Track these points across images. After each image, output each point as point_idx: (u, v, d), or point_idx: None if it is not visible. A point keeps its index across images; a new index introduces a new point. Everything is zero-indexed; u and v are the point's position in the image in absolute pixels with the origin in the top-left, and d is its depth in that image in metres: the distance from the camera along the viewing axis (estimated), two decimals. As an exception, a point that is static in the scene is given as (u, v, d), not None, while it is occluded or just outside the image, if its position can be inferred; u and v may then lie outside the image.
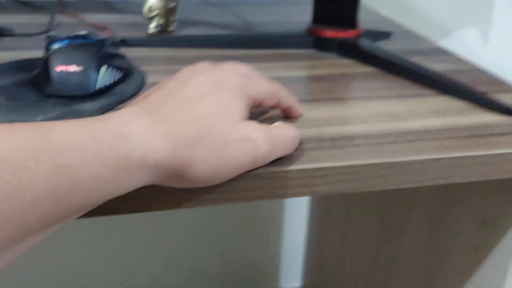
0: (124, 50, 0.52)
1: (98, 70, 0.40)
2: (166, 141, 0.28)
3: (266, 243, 1.10)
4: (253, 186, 0.34)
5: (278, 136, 0.33)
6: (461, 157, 0.36)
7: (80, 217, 0.28)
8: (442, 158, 0.36)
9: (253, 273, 1.11)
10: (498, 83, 0.50)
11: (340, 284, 0.86)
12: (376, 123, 0.40)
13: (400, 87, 0.48)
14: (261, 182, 0.33)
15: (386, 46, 0.57)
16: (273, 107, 0.38)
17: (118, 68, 0.42)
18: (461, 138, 0.39)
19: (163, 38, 0.57)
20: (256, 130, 0.31)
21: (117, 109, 0.32)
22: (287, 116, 0.40)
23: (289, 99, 0.39)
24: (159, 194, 0.32)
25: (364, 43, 0.56)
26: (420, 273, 0.60)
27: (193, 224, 1.03)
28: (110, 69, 0.41)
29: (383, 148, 0.36)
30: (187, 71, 0.34)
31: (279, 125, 0.34)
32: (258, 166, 0.32)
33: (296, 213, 1.07)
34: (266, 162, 0.32)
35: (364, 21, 0.69)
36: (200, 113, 0.30)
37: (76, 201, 0.25)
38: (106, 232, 0.98)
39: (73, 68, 0.40)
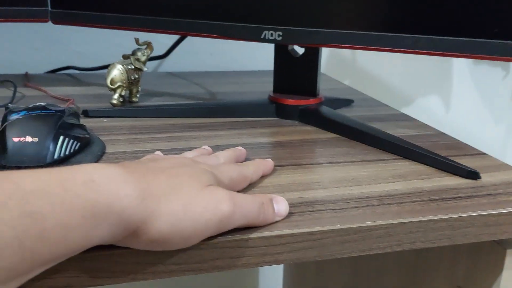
0: (86, 121, 0.51)
1: (55, 141, 0.40)
2: (134, 190, 0.27)
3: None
4: (211, 257, 0.32)
5: (242, 199, 0.33)
6: (425, 221, 0.36)
7: None
8: (405, 222, 0.36)
9: None
10: (459, 147, 0.51)
11: None
12: (337, 188, 0.40)
13: (362, 153, 0.48)
14: (220, 251, 0.32)
15: (347, 113, 0.58)
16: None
17: (77, 139, 0.41)
18: (423, 202, 0.38)
19: (125, 109, 0.57)
20: (221, 191, 0.32)
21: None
22: None
23: (259, 171, 0.40)
24: (111, 266, 0.30)
25: (325, 110, 0.57)
26: None
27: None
28: (68, 139, 0.40)
29: (345, 214, 0.36)
30: (157, 156, 0.37)
31: (246, 194, 0.34)
32: (222, 230, 0.31)
33: (271, 283, 1.04)
34: (230, 226, 0.32)
35: (327, 89, 0.71)
36: (172, 173, 0.31)
37: (43, 249, 0.24)
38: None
39: (29, 139, 0.39)
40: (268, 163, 0.42)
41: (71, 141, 0.41)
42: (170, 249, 0.30)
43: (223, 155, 0.41)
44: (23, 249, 0.23)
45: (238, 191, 0.36)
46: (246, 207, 0.32)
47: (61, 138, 0.40)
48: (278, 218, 0.35)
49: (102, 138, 0.47)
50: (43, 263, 0.25)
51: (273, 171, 0.43)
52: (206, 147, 0.45)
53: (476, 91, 1.06)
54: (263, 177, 0.41)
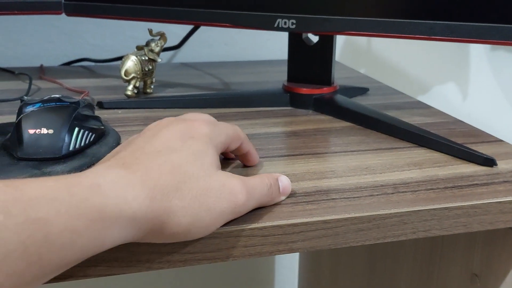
0: (101, 113, 0.52)
1: (70, 132, 0.40)
2: (142, 190, 0.27)
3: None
4: (226, 246, 0.32)
5: (253, 185, 0.33)
6: (440, 208, 0.36)
7: (58, 281, 0.28)
8: (420, 210, 0.35)
9: None
10: (476, 134, 0.50)
11: None
12: (352, 177, 0.40)
13: (376, 141, 0.48)
14: (234, 240, 0.32)
15: (362, 102, 0.58)
16: (235, 151, 0.39)
17: (91, 130, 0.42)
18: (439, 190, 0.38)
19: (139, 100, 0.57)
20: (232, 178, 0.32)
21: (85, 170, 0.32)
22: (245, 164, 0.41)
23: (248, 143, 0.40)
24: (127, 256, 0.30)
25: (340, 98, 0.56)
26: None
27: (175, 279, 0.99)
28: (82, 131, 0.41)
29: (359, 202, 0.36)
30: (153, 127, 0.35)
31: (254, 176, 0.34)
32: (236, 216, 0.32)
33: (286, 277, 1.04)
34: (245, 211, 0.32)
35: (342, 78, 0.70)
36: (174, 163, 0.30)
37: (49, 255, 0.24)
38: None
39: (44, 131, 0.39)
40: (256, 155, 0.41)
41: (86, 132, 0.41)
42: (192, 239, 0.30)
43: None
44: (28, 254, 0.23)
45: (232, 151, 0.38)
46: (258, 192, 0.33)
47: (76, 129, 0.40)
48: (283, 197, 0.36)
49: (117, 129, 0.47)
50: (53, 269, 0.24)
51: (287, 160, 0.43)
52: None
53: (493, 79, 1.04)
54: (277, 166, 0.41)
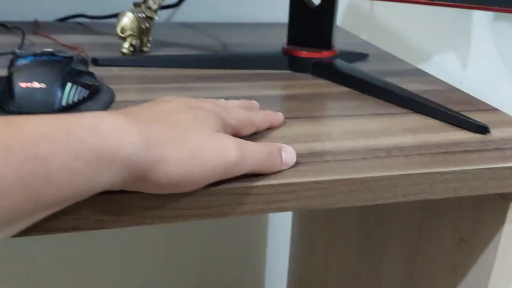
0: (96, 69, 0.51)
1: (63, 87, 0.40)
2: (138, 136, 0.28)
3: (249, 269, 1.07)
4: (219, 203, 0.33)
5: (250, 148, 0.33)
6: (431, 173, 0.36)
7: (46, 233, 0.28)
8: (412, 174, 0.35)
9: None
10: (472, 102, 0.50)
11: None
12: (346, 140, 0.40)
13: (373, 106, 0.48)
14: (227, 198, 0.33)
15: (362, 67, 0.57)
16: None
17: (85, 86, 0.41)
18: (431, 155, 0.38)
19: (135, 58, 0.56)
20: (228, 138, 0.32)
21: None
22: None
23: (267, 121, 0.40)
24: (118, 210, 0.31)
25: (338, 63, 0.56)
26: (400, 297, 0.59)
27: (172, 245, 1.01)
28: (76, 86, 0.40)
29: (352, 165, 0.36)
30: (162, 98, 0.36)
31: (255, 142, 0.34)
32: (228, 175, 0.32)
33: (279, 238, 1.06)
34: (237, 172, 0.32)
35: (343, 43, 0.69)
36: (175, 119, 0.31)
37: (48, 192, 0.24)
38: (81, 251, 0.96)
39: (36, 84, 0.39)
40: (278, 116, 0.42)
41: (80, 88, 0.41)
42: (179, 192, 0.31)
43: (233, 102, 0.42)
44: (28, 190, 0.23)
45: (244, 137, 0.36)
46: (254, 155, 0.33)
47: (69, 84, 0.40)
48: (285, 167, 0.35)
49: (112, 86, 0.47)
50: (49, 205, 0.25)
51: (283, 123, 0.43)
52: (222, 100, 0.44)
53: (494, 49, 1.03)
54: (272, 128, 0.41)
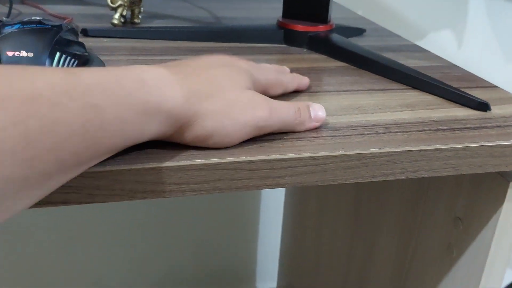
0: (86, 40, 0.50)
1: (52, 56, 0.38)
2: (180, 91, 0.30)
3: (242, 245, 1.08)
4: (213, 178, 0.32)
5: (277, 105, 0.34)
6: (430, 149, 0.35)
7: (36, 206, 0.28)
8: (410, 150, 0.35)
9: (228, 275, 1.09)
10: (470, 79, 0.49)
11: (315, 284, 0.84)
12: (343, 115, 0.39)
13: (370, 82, 0.47)
14: (221, 173, 0.32)
15: (358, 42, 0.56)
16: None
17: (74, 56, 0.40)
18: (431, 131, 0.37)
19: (126, 29, 0.55)
20: (258, 96, 0.34)
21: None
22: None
23: (295, 83, 0.42)
24: (110, 184, 0.30)
25: (335, 37, 0.54)
26: (395, 273, 0.59)
27: (165, 226, 1.00)
28: (65, 56, 0.39)
29: (349, 140, 0.35)
30: (197, 57, 0.37)
31: (283, 101, 0.36)
32: (259, 132, 0.33)
33: (271, 214, 1.06)
34: (267, 129, 0.34)
35: (339, 18, 0.68)
36: (211, 75, 0.33)
37: (103, 140, 0.26)
38: (76, 233, 0.95)
39: (23, 53, 0.37)
40: (305, 79, 0.43)
41: (69, 58, 0.39)
42: (213, 146, 0.32)
43: (265, 65, 0.43)
44: (87, 137, 0.25)
45: (272, 97, 0.37)
46: (282, 111, 0.34)
47: (58, 54, 0.38)
48: (315, 123, 0.36)
49: (102, 58, 0.45)
50: (103, 152, 0.27)
51: (278, 97, 0.42)
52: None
53: (490, 28, 1.02)
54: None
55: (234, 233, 1.06)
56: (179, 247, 1.03)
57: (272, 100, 0.34)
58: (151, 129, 0.29)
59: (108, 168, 0.29)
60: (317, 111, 0.36)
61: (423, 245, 0.52)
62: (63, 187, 0.28)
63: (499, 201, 0.41)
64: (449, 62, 0.54)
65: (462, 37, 1.02)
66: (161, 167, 0.30)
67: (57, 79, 0.24)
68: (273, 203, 1.05)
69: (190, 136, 0.31)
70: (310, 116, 0.36)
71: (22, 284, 0.96)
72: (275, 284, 1.09)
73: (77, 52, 0.40)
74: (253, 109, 0.32)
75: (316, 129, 0.36)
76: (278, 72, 0.41)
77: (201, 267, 1.06)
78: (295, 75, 0.43)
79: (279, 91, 0.40)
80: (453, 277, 0.47)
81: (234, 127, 0.32)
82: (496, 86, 0.48)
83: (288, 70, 0.45)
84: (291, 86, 0.42)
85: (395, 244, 0.58)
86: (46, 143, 0.23)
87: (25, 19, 0.40)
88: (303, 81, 0.43)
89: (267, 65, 0.43)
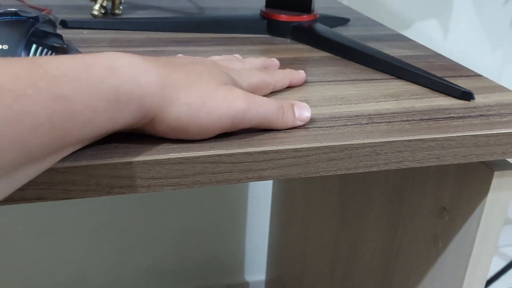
0: (65, 32, 0.48)
1: (27, 49, 0.37)
2: (155, 77, 0.29)
3: (230, 238, 1.07)
4: (192, 172, 0.31)
5: (258, 100, 0.33)
6: (414, 140, 0.35)
7: (10, 203, 0.28)
8: (394, 141, 0.34)
9: (216, 267, 1.09)
10: (455, 68, 0.49)
11: (303, 276, 0.84)
12: (326, 106, 0.38)
13: (354, 72, 0.46)
14: (201, 166, 0.31)
15: (342, 32, 0.56)
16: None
17: (52, 48, 0.39)
18: (414, 121, 0.37)
19: (106, 20, 0.54)
20: (237, 89, 0.33)
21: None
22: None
23: (285, 80, 0.41)
24: (85, 179, 0.29)
25: (319, 27, 0.54)
26: (381, 263, 0.59)
27: (152, 218, 0.99)
28: (41, 48, 0.38)
29: (332, 131, 0.34)
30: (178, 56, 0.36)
31: (266, 97, 0.34)
32: (235, 126, 0.32)
33: (259, 206, 1.05)
34: (245, 123, 0.32)
35: (323, 8, 0.67)
36: (191, 68, 0.32)
37: (73, 130, 0.25)
38: (61, 228, 0.94)
39: (-2, 46, 0.36)
40: (299, 74, 0.42)
41: (45, 50, 0.38)
42: (188, 138, 0.31)
43: (250, 62, 0.42)
44: (55, 128, 0.24)
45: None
46: (262, 106, 0.33)
47: (34, 46, 0.37)
48: (299, 123, 0.35)
49: (82, 50, 0.44)
50: (74, 143, 0.26)
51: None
52: (237, 55, 0.44)
53: (476, 17, 1.02)
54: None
55: (221, 225, 1.05)
56: (165, 238, 1.02)
57: (253, 95, 0.33)
58: (123, 118, 0.28)
59: (83, 163, 0.28)
60: (302, 110, 0.35)
61: (409, 236, 0.52)
62: (36, 183, 0.28)
63: (484, 191, 0.41)
64: (433, 51, 0.54)
65: (448, 26, 1.02)
66: (138, 161, 0.29)
67: (21, 71, 0.24)
68: (261, 194, 1.04)
69: (164, 127, 0.30)
70: (293, 115, 0.34)
71: (6, 278, 0.95)
72: (263, 276, 1.09)
73: (55, 44, 0.39)
74: (231, 102, 0.31)
75: (298, 120, 0.36)
76: (264, 73, 0.39)
77: (188, 259, 1.06)
78: (287, 71, 0.42)
79: (266, 92, 0.39)
80: (440, 267, 0.47)
81: (210, 120, 0.31)
82: (480, 75, 0.47)
83: (277, 62, 0.44)
84: (280, 85, 0.40)
85: (381, 235, 0.58)
86: (11, 136, 0.22)
87: (0, 11, 0.39)
88: (297, 77, 0.42)
89: (254, 61, 0.42)
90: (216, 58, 0.41)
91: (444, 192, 0.46)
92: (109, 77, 0.27)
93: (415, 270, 0.52)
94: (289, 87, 0.42)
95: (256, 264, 1.10)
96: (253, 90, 0.36)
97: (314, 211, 0.77)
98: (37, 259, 0.95)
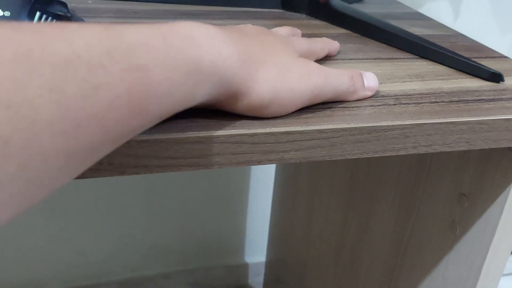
0: (69, 1, 0.46)
1: (31, 16, 0.34)
2: (235, 51, 0.27)
3: (231, 217, 1.06)
4: (212, 152, 0.29)
5: (331, 72, 0.32)
6: (445, 123, 0.33)
7: None
8: (424, 123, 0.32)
9: (216, 248, 1.08)
10: (479, 49, 0.47)
11: (306, 259, 0.83)
12: (351, 85, 0.36)
13: (375, 50, 0.44)
14: (221, 147, 0.29)
15: (359, 9, 0.53)
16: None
17: (56, 16, 0.36)
18: (444, 103, 0.35)
19: (113, -11, 0.51)
20: (312, 64, 0.32)
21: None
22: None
23: (325, 51, 0.40)
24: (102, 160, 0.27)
25: (337, 3, 0.51)
26: (391, 249, 0.57)
27: (152, 197, 0.97)
28: (45, 16, 0.35)
29: (358, 112, 0.32)
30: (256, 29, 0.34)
31: (336, 69, 0.34)
32: (314, 101, 0.32)
33: (262, 186, 1.03)
34: (321, 97, 0.32)
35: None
36: (264, 41, 0.31)
37: (150, 105, 0.23)
38: (61, 206, 0.92)
39: (0, 12, 0.34)
40: (335, 44, 0.41)
41: (49, 18, 0.35)
42: (267, 116, 0.30)
43: (277, 31, 0.40)
44: (132, 102, 0.22)
45: None
46: (337, 79, 0.32)
47: (38, 13, 0.35)
48: (368, 93, 0.34)
49: (86, 20, 0.42)
50: (152, 118, 0.24)
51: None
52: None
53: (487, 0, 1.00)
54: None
55: (222, 205, 1.04)
56: (166, 219, 1.01)
57: (325, 67, 0.32)
58: (203, 93, 0.26)
59: (96, 140, 0.26)
60: (370, 80, 0.34)
61: (424, 221, 0.51)
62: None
63: (509, 177, 0.39)
64: (455, 31, 0.51)
65: (459, 8, 0.99)
66: (155, 139, 0.27)
67: (96, 40, 0.21)
68: (263, 174, 1.02)
69: (243, 104, 0.29)
70: (363, 84, 0.34)
71: (4, 255, 0.93)
72: (264, 257, 1.08)
73: (59, 13, 0.37)
74: (309, 77, 0.30)
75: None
76: (310, 41, 0.38)
77: (188, 240, 1.05)
78: (325, 40, 0.41)
79: (311, 59, 0.37)
80: (455, 255, 0.46)
81: (291, 96, 0.30)
82: (506, 57, 0.45)
83: (299, 32, 0.43)
84: (323, 53, 0.39)
85: (393, 219, 0.57)
86: (87, 111, 0.20)
87: (0, -26, 0.36)
88: (333, 45, 0.41)
89: (281, 30, 0.40)
90: None
91: (464, 177, 0.44)
92: (188, 47, 0.25)
93: (429, 257, 0.50)
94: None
95: (257, 245, 1.09)
96: (304, 54, 0.35)
97: (320, 191, 0.75)
98: (35, 237, 0.94)
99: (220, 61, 0.26)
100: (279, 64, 0.30)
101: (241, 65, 0.27)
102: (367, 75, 0.34)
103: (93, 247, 0.98)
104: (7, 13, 0.34)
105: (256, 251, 1.10)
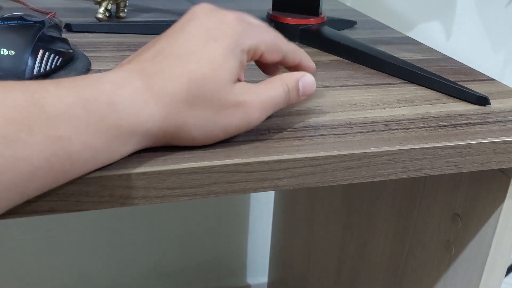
0: (70, 36, 0.48)
1: (34, 54, 0.36)
2: (157, 107, 0.27)
3: (232, 239, 1.06)
4: (208, 181, 0.30)
5: (268, 98, 0.32)
6: (433, 147, 0.34)
7: (22, 216, 0.27)
8: (412, 149, 0.33)
9: (218, 269, 1.08)
10: (467, 72, 0.48)
11: (307, 279, 0.83)
12: (340, 112, 0.38)
13: (365, 76, 0.45)
14: (217, 176, 0.30)
15: (350, 35, 0.55)
16: (278, 63, 0.35)
17: (58, 53, 0.38)
18: (432, 128, 0.36)
19: (111, 24, 0.53)
20: (247, 95, 0.30)
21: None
22: None
23: (296, 54, 0.36)
24: (99, 190, 0.28)
25: (328, 30, 0.53)
26: (389, 269, 0.58)
27: (154, 219, 0.98)
28: (48, 53, 0.37)
29: (349, 139, 0.34)
30: (184, 16, 0.32)
31: (269, 82, 0.32)
32: (249, 129, 0.32)
33: (262, 208, 1.04)
34: (258, 124, 0.32)
35: (328, 10, 0.66)
36: (191, 75, 0.28)
37: (73, 171, 0.25)
38: (62, 230, 0.93)
39: (4, 51, 0.35)
40: (311, 63, 0.38)
41: (52, 55, 0.37)
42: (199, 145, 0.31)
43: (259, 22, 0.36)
44: (54, 170, 0.24)
45: (268, 66, 0.36)
46: (273, 103, 0.32)
47: (41, 51, 0.36)
48: (303, 98, 0.34)
49: (87, 54, 0.43)
50: (77, 176, 0.26)
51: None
52: None
53: (478, 18, 1.02)
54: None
55: (223, 226, 1.04)
56: (167, 240, 1.01)
57: (260, 90, 0.31)
58: (127, 150, 0.27)
59: (96, 174, 0.27)
60: (306, 84, 0.34)
61: (420, 242, 0.51)
62: (48, 194, 0.27)
63: (500, 197, 0.40)
64: (444, 54, 0.53)
65: (451, 28, 1.01)
66: (153, 172, 0.29)
67: (14, 112, 0.22)
68: (263, 196, 1.03)
69: (177, 143, 0.30)
70: (298, 94, 0.33)
71: (7, 282, 0.94)
72: (266, 279, 1.09)
73: (61, 49, 0.38)
74: (244, 114, 0.30)
75: (313, 127, 0.35)
76: (280, 36, 0.34)
77: (189, 261, 1.05)
78: (299, 48, 0.37)
79: (276, 58, 0.34)
80: (452, 275, 0.47)
81: (226, 133, 0.31)
82: (493, 79, 0.47)
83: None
84: (291, 57, 0.35)
85: (390, 240, 0.57)
86: (7, 183, 0.22)
87: (6, 15, 0.38)
88: (308, 60, 0.37)
89: (263, 24, 0.35)
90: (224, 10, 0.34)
91: (457, 198, 0.45)
92: (109, 115, 0.25)
93: (426, 277, 0.51)
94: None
95: (258, 266, 1.10)
96: (264, 49, 0.32)
97: (319, 213, 0.76)
98: (38, 263, 0.94)
99: (140, 124, 0.27)
100: (208, 105, 0.29)
101: (166, 119, 0.28)
102: (304, 80, 0.33)
103: (95, 271, 0.99)
104: (11, 52, 0.35)
105: (258, 272, 1.10)
